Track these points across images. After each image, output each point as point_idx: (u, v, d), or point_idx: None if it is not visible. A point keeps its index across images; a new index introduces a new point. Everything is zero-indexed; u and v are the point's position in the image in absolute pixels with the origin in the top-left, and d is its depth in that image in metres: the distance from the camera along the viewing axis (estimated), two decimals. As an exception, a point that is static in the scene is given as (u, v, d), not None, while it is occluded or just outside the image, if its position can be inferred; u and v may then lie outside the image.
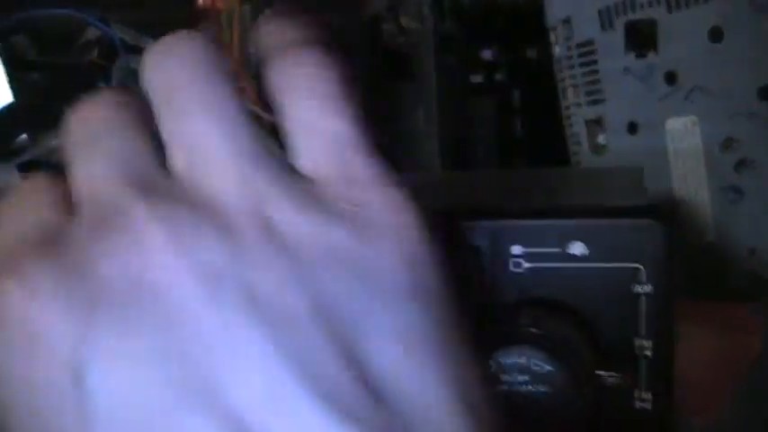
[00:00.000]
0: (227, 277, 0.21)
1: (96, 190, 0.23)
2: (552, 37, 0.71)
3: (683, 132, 0.63)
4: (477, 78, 0.78)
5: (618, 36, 0.66)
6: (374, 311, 0.21)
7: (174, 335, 0.20)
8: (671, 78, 0.63)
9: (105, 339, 0.21)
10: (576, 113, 0.71)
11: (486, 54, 0.78)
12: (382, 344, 0.21)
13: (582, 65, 0.69)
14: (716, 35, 0.59)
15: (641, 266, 0.32)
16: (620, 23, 0.65)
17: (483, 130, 0.78)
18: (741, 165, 0.60)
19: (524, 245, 0.33)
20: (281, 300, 0.21)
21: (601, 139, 0.70)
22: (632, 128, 0.66)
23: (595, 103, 0.69)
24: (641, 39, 0.65)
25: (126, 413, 0.20)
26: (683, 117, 0.62)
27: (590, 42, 0.68)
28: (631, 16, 0.65)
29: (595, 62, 0.68)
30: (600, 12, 0.67)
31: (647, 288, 0.32)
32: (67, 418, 0.20)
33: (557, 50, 0.71)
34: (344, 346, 0.21)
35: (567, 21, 0.70)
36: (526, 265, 0.32)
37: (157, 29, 0.66)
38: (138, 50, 0.64)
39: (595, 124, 0.70)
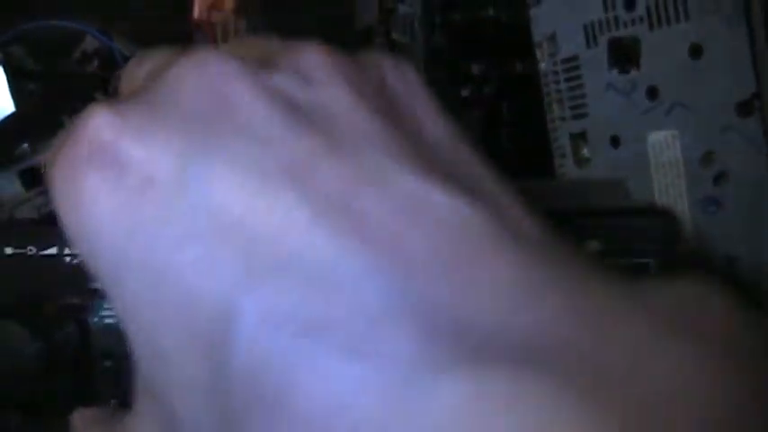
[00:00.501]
0: (304, 102, 0.24)
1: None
2: (538, 52, 0.74)
3: (663, 146, 0.65)
4: (465, 92, 0.80)
5: (601, 52, 0.68)
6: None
7: (267, 151, 0.22)
8: (652, 94, 0.65)
9: (205, 161, 0.22)
10: (561, 127, 0.73)
11: (475, 68, 0.80)
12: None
13: (567, 80, 0.71)
14: (695, 52, 0.61)
15: (652, 261, 0.33)
16: (603, 40, 0.68)
17: (472, 141, 0.80)
18: (720, 178, 0.62)
19: None
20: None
21: (585, 152, 0.72)
22: (615, 141, 0.68)
23: (580, 117, 0.71)
24: (624, 55, 0.67)
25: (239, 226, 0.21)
26: (663, 131, 0.64)
27: (575, 58, 0.70)
28: (615, 33, 0.67)
29: (580, 77, 0.70)
30: (585, 28, 0.69)
31: None
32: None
33: (542, 65, 0.73)
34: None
35: (552, 37, 0.72)
36: None
37: (155, 41, 0.68)
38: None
39: (580, 138, 0.72)
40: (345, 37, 0.78)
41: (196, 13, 0.72)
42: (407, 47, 0.78)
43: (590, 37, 0.69)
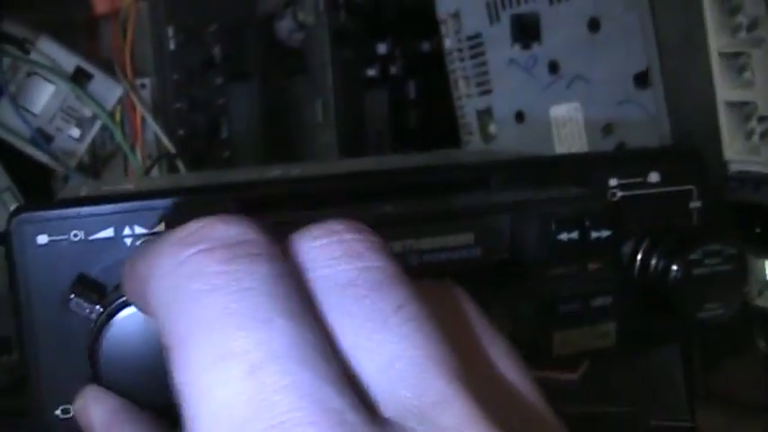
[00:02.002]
0: None
1: None
2: (443, 30, 0.74)
3: (566, 119, 0.66)
4: (372, 71, 0.80)
5: (504, 28, 0.69)
6: None
7: None
8: (554, 68, 0.66)
9: None
10: (467, 104, 0.74)
11: (381, 48, 0.81)
12: None
13: (471, 57, 0.72)
14: (594, 26, 0.63)
15: (693, 187, 0.40)
16: (505, 16, 0.69)
17: (378, 121, 0.81)
18: (620, 148, 0.63)
19: (618, 177, 0.39)
20: None
21: (491, 128, 0.73)
22: (519, 117, 0.69)
23: (485, 93, 0.72)
24: (526, 31, 0.68)
25: None
26: (565, 105, 0.66)
27: (478, 35, 0.71)
28: (516, 9, 0.68)
29: (484, 54, 0.71)
30: (487, 5, 0.70)
31: (698, 204, 0.40)
32: None
33: (447, 43, 0.74)
34: None
35: (456, 14, 0.73)
36: (620, 193, 0.39)
37: (57, 28, 0.67)
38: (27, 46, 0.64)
39: (486, 114, 0.73)
40: (249, 19, 0.78)
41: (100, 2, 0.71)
42: (313, 28, 0.78)
43: (493, 13, 0.70)
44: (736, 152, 0.50)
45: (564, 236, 0.35)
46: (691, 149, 0.42)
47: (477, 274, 0.35)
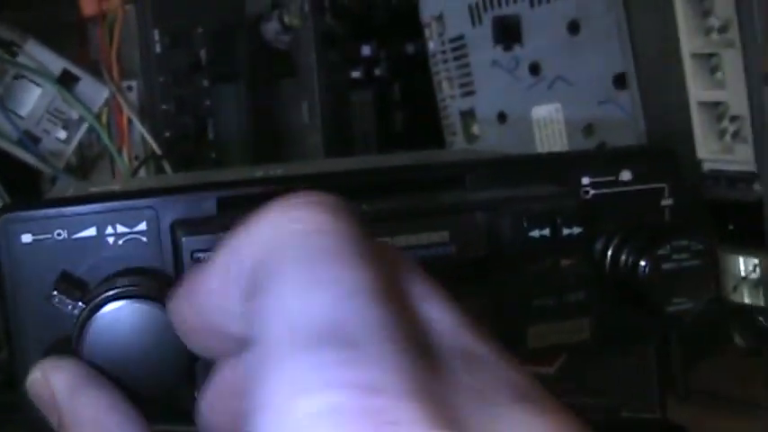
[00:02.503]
0: None
1: None
2: (427, 33, 0.75)
3: (547, 120, 0.67)
4: (357, 73, 0.81)
5: (486, 30, 0.70)
6: None
7: None
8: (535, 69, 0.67)
9: None
10: (451, 105, 0.75)
11: (366, 50, 0.82)
12: None
13: (455, 59, 0.73)
14: (574, 28, 0.64)
15: (665, 185, 0.41)
16: (488, 18, 0.70)
17: (364, 122, 0.82)
18: (601, 147, 0.64)
19: (591, 176, 0.40)
20: None
21: (475, 128, 0.74)
22: (502, 117, 0.70)
23: (468, 94, 0.73)
24: (508, 33, 0.69)
25: None
26: (547, 105, 0.67)
27: (461, 37, 0.72)
28: (498, 12, 0.69)
29: (467, 56, 0.72)
30: (470, 7, 0.71)
31: (670, 201, 0.41)
32: None
33: (431, 45, 0.75)
34: None
35: (439, 17, 0.74)
36: (593, 191, 0.40)
37: (45, 30, 0.67)
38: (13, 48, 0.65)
39: (469, 115, 0.74)
40: (236, 21, 0.78)
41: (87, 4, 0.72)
42: (299, 31, 0.79)
43: (475, 16, 0.71)
44: (709, 151, 0.51)
45: (536, 233, 0.36)
46: (662, 149, 0.43)
47: (453, 271, 0.36)
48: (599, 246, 0.39)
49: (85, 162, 0.71)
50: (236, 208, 0.34)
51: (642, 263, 0.38)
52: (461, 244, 0.37)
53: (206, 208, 0.35)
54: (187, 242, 0.34)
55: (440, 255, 0.37)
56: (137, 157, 0.70)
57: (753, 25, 0.46)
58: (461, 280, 0.36)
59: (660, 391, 0.40)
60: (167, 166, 0.69)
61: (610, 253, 0.39)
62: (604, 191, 0.40)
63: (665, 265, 0.38)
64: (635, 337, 0.41)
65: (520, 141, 0.69)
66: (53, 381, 0.29)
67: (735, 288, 0.53)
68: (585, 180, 0.40)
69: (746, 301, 0.53)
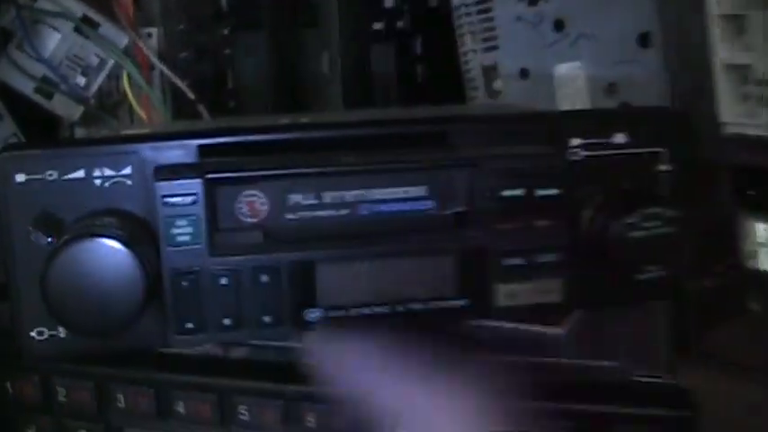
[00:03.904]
0: None
1: None
2: (451, -15, 0.74)
3: (569, 78, 0.66)
4: (379, 25, 0.80)
5: (512, -16, 0.69)
6: None
7: None
8: (559, 26, 0.66)
9: None
10: (473, 60, 0.74)
11: (388, 1, 0.81)
12: None
13: (478, 12, 0.72)
14: (600, -16, 0.63)
15: (666, 149, 0.40)
16: (513, -28, 0.68)
17: (384, 75, 0.81)
18: (623, 107, 0.64)
19: (581, 137, 0.40)
20: None
21: (496, 84, 0.73)
22: (524, 73, 0.70)
23: (491, 49, 0.72)
24: (533, -13, 0.68)
25: None
26: (569, 63, 0.66)
27: (486, -10, 0.71)
28: (524, -35, 0.68)
29: (491, 10, 0.71)
30: (495, -40, 0.70)
31: (670, 167, 0.40)
32: None
33: (455, -2, 0.74)
34: None
35: (464, -31, 0.73)
36: (583, 153, 0.40)
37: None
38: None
39: (491, 70, 0.73)
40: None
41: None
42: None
43: (501, -31, 0.70)
44: (733, 114, 0.50)
45: (509, 192, 0.36)
46: (667, 110, 0.42)
47: (429, 225, 0.38)
48: (576, 209, 0.39)
49: (104, 109, 0.71)
50: (216, 155, 0.37)
51: (611, 230, 0.37)
52: (438, 199, 0.38)
53: (188, 154, 0.37)
54: (159, 186, 0.35)
55: (417, 208, 0.38)
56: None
57: (783, -14, 0.45)
58: (437, 234, 0.38)
59: (671, 356, 0.40)
60: (205, 112, 0.69)
61: (585, 217, 0.39)
62: (596, 153, 0.39)
63: (636, 233, 0.37)
64: (608, 303, 0.41)
65: (542, 98, 0.68)
66: None
67: (752, 254, 0.53)
68: (576, 141, 0.39)
69: (764, 267, 0.53)
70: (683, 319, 0.57)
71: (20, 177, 0.36)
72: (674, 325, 0.52)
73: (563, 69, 0.66)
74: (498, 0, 0.70)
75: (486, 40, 0.72)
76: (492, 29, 0.72)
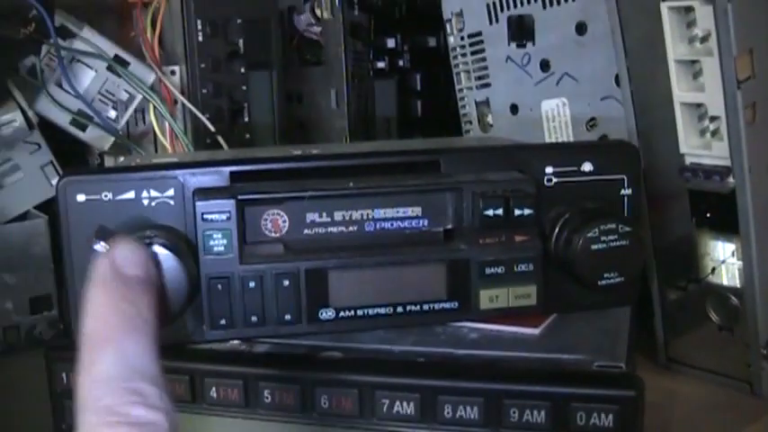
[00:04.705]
0: None
1: None
2: (447, 28, 0.81)
3: (555, 112, 0.73)
4: (381, 64, 0.87)
5: (502, 28, 0.76)
6: None
7: None
8: (545, 66, 0.73)
9: None
10: (468, 96, 0.81)
11: (390, 42, 0.88)
12: None
13: (472, 53, 0.79)
14: (581, 29, 0.70)
15: (625, 177, 0.47)
16: (503, 17, 0.75)
17: (386, 109, 0.88)
18: (603, 139, 0.70)
19: (554, 165, 0.47)
20: None
21: (489, 118, 0.80)
22: (514, 109, 0.76)
23: (484, 87, 0.79)
24: (521, 31, 0.75)
25: None
26: (555, 99, 0.73)
27: (479, 33, 0.78)
28: (513, 11, 0.75)
29: (483, 51, 0.78)
30: (488, 6, 0.77)
31: (629, 191, 0.48)
32: None
33: (451, 40, 0.81)
34: None
35: (459, 14, 0.80)
36: (555, 180, 0.47)
37: (95, 15, 0.74)
38: (71, 34, 0.71)
39: (484, 105, 0.80)
40: (270, 12, 0.84)
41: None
42: (329, 22, 0.85)
43: (492, 14, 0.77)
44: (691, 146, 0.57)
45: (490, 211, 0.43)
46: (623, 143, 0.50)
47: (423, 240, 0.45)
48: (547, 226, 0.46)
49: (131, 139, 0.77)
50: (245, 180, 0.44)
51: (574, 243, 0.44)
52: (431, 218, 0.45)
53: (221, 179, 0.43)
54: (198, 206, 0.42)
55: (413, 226, 0.45)
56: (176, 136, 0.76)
57: (728, 37, 0.51)
58: (430, 247, 0.45)
59: (629, 350, 0.47)
60: (223, 142, 0.76)
61: (555, 233, 0.46)
62: (566, 179, 0.46)
63: (595, 246, 0.44)
64: (575, 306, 0.48)
65: (530, 131, 0.74)
66: (116, 254, 0.36)
67: (713, 270, 0.59)
68: (549, 169, 0.46)
69: (724, 282, 0.59)
70: (651, 328, 0.63)
71: (80, 197, 0.42)
72: (641, 332, 0.58)
73: (549, 105, 0.73)
74: (490, 42, 0.77)
75: (479, 78, 0.79)
76: (484, 68, 0.78)
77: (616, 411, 0.43)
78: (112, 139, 0.74)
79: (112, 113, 0.74)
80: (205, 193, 0.42)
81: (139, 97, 0.74)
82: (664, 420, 0.56)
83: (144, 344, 0.32)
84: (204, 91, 0.78)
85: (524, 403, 0.43)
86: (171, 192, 0.43)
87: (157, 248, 0.39)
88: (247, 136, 0.82)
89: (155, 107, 0.74)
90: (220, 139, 0.76)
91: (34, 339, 0.69)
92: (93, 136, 0.73)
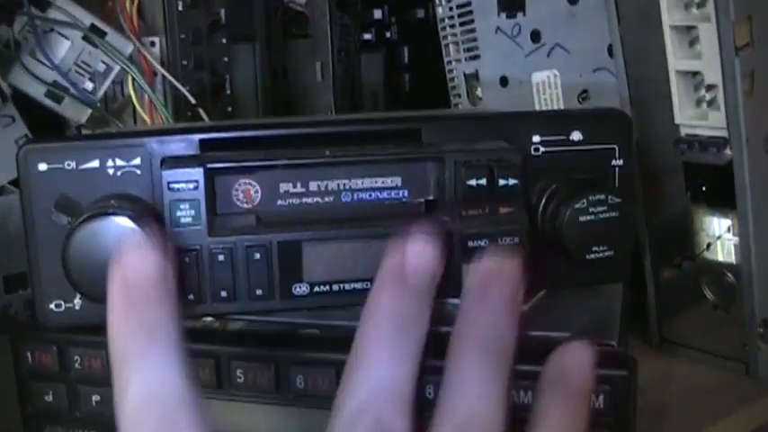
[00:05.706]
0: None
1: None
2: (436, -2, 0.79)
3: (546, 84, 0.71)
4: (368, 36, 0.85)
5: (492, -2, 0.73)
6: None
7: None
8: (536, 37, 0.70)
9: None
10: (457, 68, 0.78)
11: (377, 14, 0.85)
12: None
13: (461, 24, 0.77)
14: (573, -1, 0.67)
15: (616, 146, 0.45)
16: (494, -14, 0.73)
17: (373, 82, 0.85)
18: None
19: (541, 134, 0.45)
20: None
21: (478, 91, 0.77)
22: (504, 81, 0.74)
23: (473, 59, 0.77)
24: (512, 1, 0.72)
25: None
26: (545, 71, 0.70)
27: (468, 3, 0.76)
28: (503, -20, 0.72)
29: (473, 22, 0.76)
30: (477, -25, 0.74)
31: (620, 162, 0.45)
32: None
33: (439, 11, 0.79)
34: None
35: (448, -17, 0.77)
36: (543, 149, 0.45)
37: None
38: (46, 3, 0.69)
39: (473, 78, 0.77)
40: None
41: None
42: (315, -6, 0.83)
43: (482, -17, 0.74)
44: (686, 117, 0.54)
45: (473, 182, 0.40)
46: (615, 112, 0.47)
47: (403, 212, 0.43)
48: (534, 198, 0.44)
49: (109, 112, 0.75)
50: (215, 148, 0.41)
51: (562, 214, 0.42)
52: (412, 188, 0.43)
53: (190, 147, 0.41)
54: (165, 174, 0.40)
55: (392, 197, 0.43)
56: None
57: (726, 2, 0.49)
58: (409, 219, 0.41)
59: (621, 329, 0.44)
60: (204, 114, 0.74)
61: (541, 205, 0.43)
62: (553, 149, 0.44)
63: (583, 217, 0.42)
64: (564, 282, 0.46)
65: (520, 104, 0.72)
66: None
67: (708, 246, 0.57)
68: (536, 138, 0.44)
69: (719, 259, 0.57)
70: (645, 307, 0.61)
71: (42, 166, 0.40)
72: (636, 312, 0.56)
73: (540, 77, 0.71)
74: (479, 13, 0.75)
75: (468, 50, 0.77)
76: (473, 40, 0.76)
77: (608, 392, 0.41)
78: (89, 111, 0.72)
79: (89, 85, 0.71)
80: (172, 161, 0.40)
81: (117, 68, 0.72)
82: (657, 402, 0.54)
83: (168, 360, 0.32)
84: (185, 62, 0.76)
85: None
86: (137, 161, 0.41)
87: (118, 219, 0.37)
88: (229, 109, 0.79)
89: (133, 79, 0.72)
90: (201, 111, 0.74)
91: (10, 319, 0.67)
92: (69, 108, 0.71)
